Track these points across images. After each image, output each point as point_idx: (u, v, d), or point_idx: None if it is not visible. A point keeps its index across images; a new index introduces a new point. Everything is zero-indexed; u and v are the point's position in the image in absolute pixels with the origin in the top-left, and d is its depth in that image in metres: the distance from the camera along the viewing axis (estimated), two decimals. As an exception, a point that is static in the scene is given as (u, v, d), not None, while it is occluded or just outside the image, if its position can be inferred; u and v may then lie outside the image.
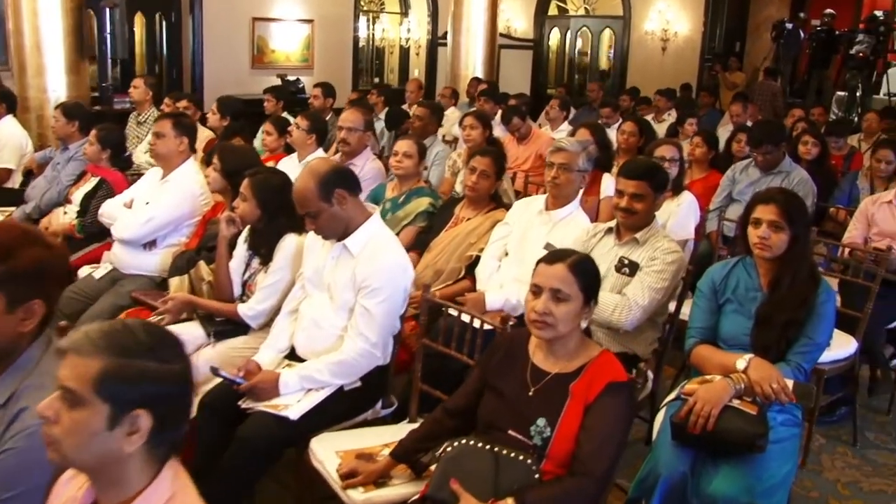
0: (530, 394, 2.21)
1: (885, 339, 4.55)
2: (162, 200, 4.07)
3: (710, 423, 2.50)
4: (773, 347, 2.71)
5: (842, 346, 3.74)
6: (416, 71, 14.59)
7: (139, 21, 11.33)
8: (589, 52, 14.36)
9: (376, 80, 14.29)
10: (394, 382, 3.12)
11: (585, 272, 2.18)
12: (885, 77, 11.67)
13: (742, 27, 12.91)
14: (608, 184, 4.56)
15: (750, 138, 4.92)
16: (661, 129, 8.17)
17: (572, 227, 3.53)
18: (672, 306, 3.30)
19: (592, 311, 2.22)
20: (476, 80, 9.02)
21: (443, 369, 3.05)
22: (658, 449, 2.61)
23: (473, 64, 10.24)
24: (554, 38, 14.97)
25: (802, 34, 12.29)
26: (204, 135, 6.12)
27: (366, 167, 4.73)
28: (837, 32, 11.93)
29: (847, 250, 4.26)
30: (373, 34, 14.79)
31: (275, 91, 7.32)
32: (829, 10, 12.32)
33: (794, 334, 2.70)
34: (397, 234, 4.30)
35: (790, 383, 2.59)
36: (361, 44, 14.14)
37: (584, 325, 2.19)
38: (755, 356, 2.66)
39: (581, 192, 3.67)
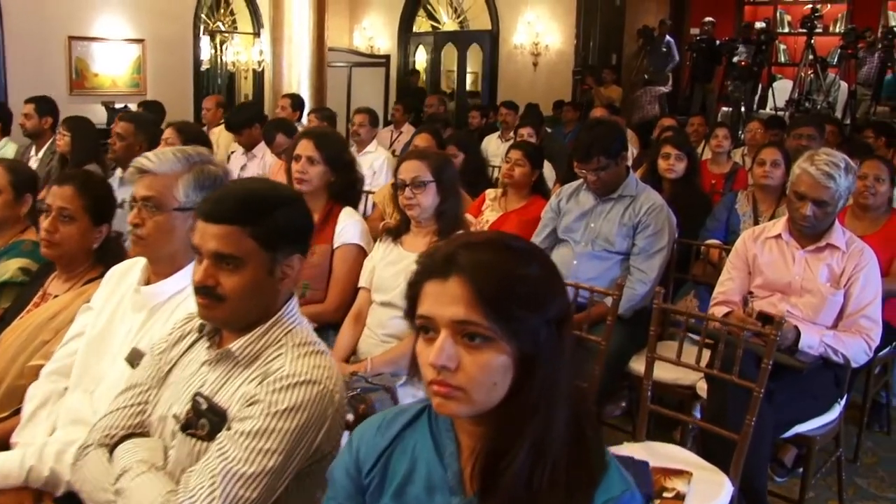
0: None
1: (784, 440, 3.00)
2: None
3: None
4: None
5: (707, 496, 2.14)
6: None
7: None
8: (456, 69, 12.90)
9: (231, 108, 12.66)
10: None
11: None
12: (771, 91, 10.59)
13: (618, 39, 11.63)
14: (346, 226, 2.88)
15: (575, 149, 3.31)
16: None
17: (176, 318, 1.80)
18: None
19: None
20: (288, 96, 7.26)
21: None
22: None
23: (297, 80, 8.52)
24: (420, 55, 13.50)
25: (672, 40, 11.09)
26: None
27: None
28: (718, 42, 10.77)
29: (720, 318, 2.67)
30: (221, 57, 13.17)
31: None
32: (708, 19, 11.16)
33: None
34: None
35: None
36: (205, 67, 12.49)
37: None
38: None
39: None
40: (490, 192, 3.89)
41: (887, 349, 3.44)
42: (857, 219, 3.58)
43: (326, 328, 2.84)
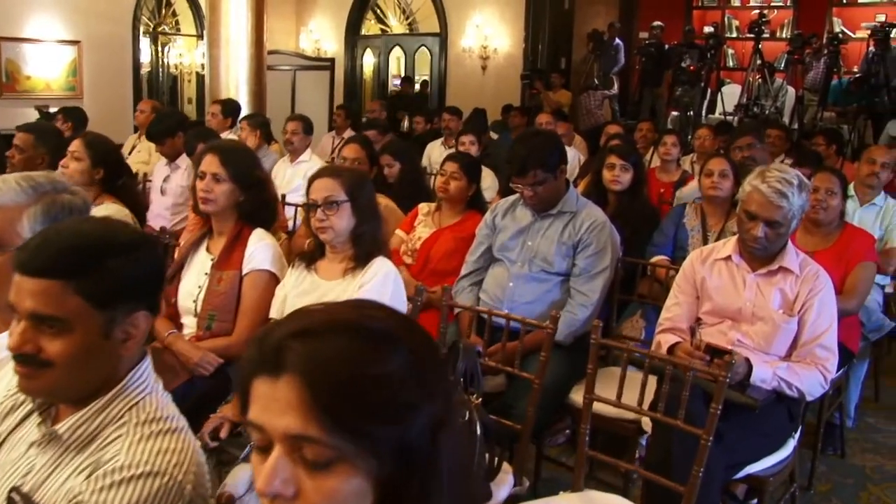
0: None
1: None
2: None
3: None
4: None
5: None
6: (219, 102, 12.58)
7: None
8: (403, 72, 12.63)
9: (175, 113, 12.29)
10: None
11: None
12: (720, 96, 10.53)
13: (567, 42, 11.47)
14: (257, 250, 2.60)
15: (510, 162, 3.07)
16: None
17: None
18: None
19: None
20: (218, 102, 6.88)
21: None
22: None
23: (235, 84, 8.14)
24: (368, 58, 13.18)
25: (621, 43, 10.98)
26: None
27: None
28: (667, 47, 10.67)
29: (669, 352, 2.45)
30: (164, 59, 12.78)
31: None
32: (657, 23, 11.05)
33: None
34: None
35: None
36: (146, 69, 12.07)
37: None
38: None
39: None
40: (423, 207, 3.62)
41: (840, 371, 3.27)
42: (808, 234, 3.40)
43: (234, 363, 2.56)
